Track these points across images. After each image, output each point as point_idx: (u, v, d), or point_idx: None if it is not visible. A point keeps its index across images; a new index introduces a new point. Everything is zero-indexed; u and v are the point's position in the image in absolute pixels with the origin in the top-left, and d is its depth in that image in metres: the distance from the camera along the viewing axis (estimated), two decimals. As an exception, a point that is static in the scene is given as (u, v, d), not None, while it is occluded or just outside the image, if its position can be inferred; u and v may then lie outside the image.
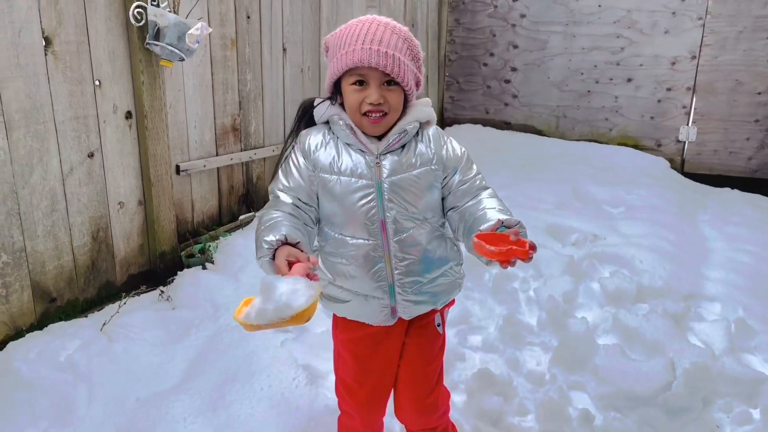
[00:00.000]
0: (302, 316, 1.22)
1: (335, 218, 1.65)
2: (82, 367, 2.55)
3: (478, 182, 1.71)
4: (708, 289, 3.53)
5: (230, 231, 3.68)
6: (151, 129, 3.07)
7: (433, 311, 1.81)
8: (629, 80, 6.05)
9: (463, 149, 1.74)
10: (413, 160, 1.64)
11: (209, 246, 3.43)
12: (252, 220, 3.80)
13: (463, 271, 1.83)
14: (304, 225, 1.59)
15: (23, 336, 2.64)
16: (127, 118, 2.99)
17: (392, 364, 1.84)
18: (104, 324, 2.77)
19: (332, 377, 2.76)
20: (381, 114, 1.58)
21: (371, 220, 1.62)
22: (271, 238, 1.43)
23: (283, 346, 2.76)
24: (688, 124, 5.94)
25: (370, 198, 1.61)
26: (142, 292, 3.13)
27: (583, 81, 6.20)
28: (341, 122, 1.62)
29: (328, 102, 1.68)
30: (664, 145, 6.06)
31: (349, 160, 1.62)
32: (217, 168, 3.64)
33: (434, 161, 1.67)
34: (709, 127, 5.88)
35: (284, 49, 4.11)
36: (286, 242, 1.44)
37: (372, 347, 1.80)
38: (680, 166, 6.01)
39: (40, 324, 2.75)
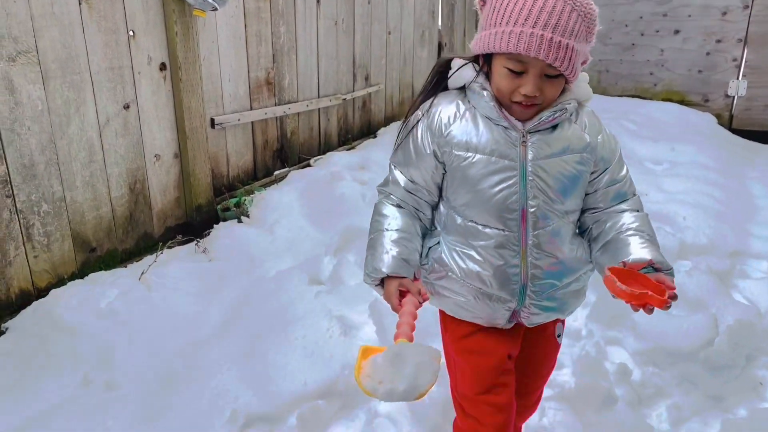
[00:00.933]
0: (424, 394, 1.17)
1: (466, 203, 1.44)
2: (122, 314, 2.61)
3: (627, 186, 1.50)
4: (755, 247, 3.41)
5: (265, 186, 3.68)
6: (185, 81, 3.05)
7: (556, 320, 1.61)
8: (676, 32, 5.79)
9: (618, 142, 1.51)
10: (565, 144, 1.41)
11: (244, 200, 3.44)
12: (287, 175, 3.79)
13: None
14: (417, 221, 1.49)
15: (65, 284, 2.70)
16: (161, 69, 2.98)
17: (510, 370, 1.62)
18: (142, 273, 2.82)
19: (366, 328, 2.77)
20: (533, 104, 1.37)
21: (510, 209, 1.40)
22: (380, 266, 1.40)
23: (317, 298, 2.77)
24: (737, 78, 5.67)
25: (511, 182, 1.39)
26: (179, 243, 3.16)
27: (628, 33, 5.96)
28: (485, 93, 1.39)
29: (471, 66, 1.44)
30: (711, 101, 5.81)
31: (489, 136, 1.40)
32: (252, 122, 3.62)
33: (587, 149, 1.43)
34: (761, 81, 5.60)
35: (318, 1, 4.02)
36: (394, 276, 1.38)
37: (487, 347, 1.59)
38: (728, 122, 5.77)
39: (80, 273, 2.81)
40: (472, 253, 1.45)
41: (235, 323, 2.67)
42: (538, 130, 1.40)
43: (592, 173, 1.47)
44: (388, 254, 1.41)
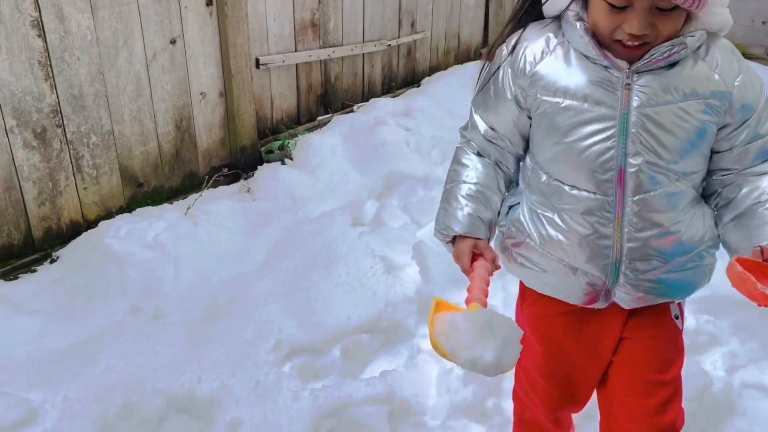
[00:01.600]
0: (504, 372, 1.08)
1: (552, 158, 1.23)
2: (169, 246, 2.63)
3: None
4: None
5: (308, 131, 3.65)
6: (231, 18, 3.02)
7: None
8: (740, -18, 5.47)
9: (763, 85, 1.20)
10: (684, 86, 1.13)
11: (288, 143, 3.42)
12: (330, 121, 3.75)
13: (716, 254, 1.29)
14: (498, 174, 1.34)
15: (113, 217, 2.74)
16: (207, 5, 2.95)
17: (596, 361, 1.37)
18: (188, 208, 2.84)
19: (409, 270, 2.75)
20: (641, 43, 1.12)
21: (604, 167, 1.17)
22: (451, 223, 1.27)
23: (361, 238, 2.75)
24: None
25: (607, 135, 1.15)
26: (223, 183, 3.18)
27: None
28: (579, 25, 1.15)
29: None
30: (775, 55, 5.51)
31: (583, 77, 1.16)
32: (296, 64, 3.58)
33: (717, 95, 1.14)
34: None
35: (365, -58, 3.92)
36: (468, 236, 1.26)
37: (569, 332, 1.36)
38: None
39: (128, 207, 2.85)
40: (555, 218, 1.25)
41: (279, 260, 2.67)
42: (649, 70, 1.13)
43: (725, 126, 1.17)
44: (462, 211, 1.28)
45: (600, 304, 1.29)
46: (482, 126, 1.33)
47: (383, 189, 3.25)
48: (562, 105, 1.18)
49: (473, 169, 1.34)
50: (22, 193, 2.48)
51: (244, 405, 1.96)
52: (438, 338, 1.07)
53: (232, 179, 3.24)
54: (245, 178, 3.25)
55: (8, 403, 1.82)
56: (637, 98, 1.14)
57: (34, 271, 2.56)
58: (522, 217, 1.31)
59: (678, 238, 1.20)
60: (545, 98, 1.20)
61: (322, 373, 2.19)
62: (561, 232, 1.24)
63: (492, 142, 1.33)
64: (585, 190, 1.20)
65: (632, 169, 1.16)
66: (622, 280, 1.23)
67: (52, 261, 2.60)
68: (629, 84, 1.14)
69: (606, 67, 1.15)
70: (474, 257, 1.25)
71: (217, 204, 2.97)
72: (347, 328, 2.32)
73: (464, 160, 1.36)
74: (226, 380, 2.03)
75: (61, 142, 2.55)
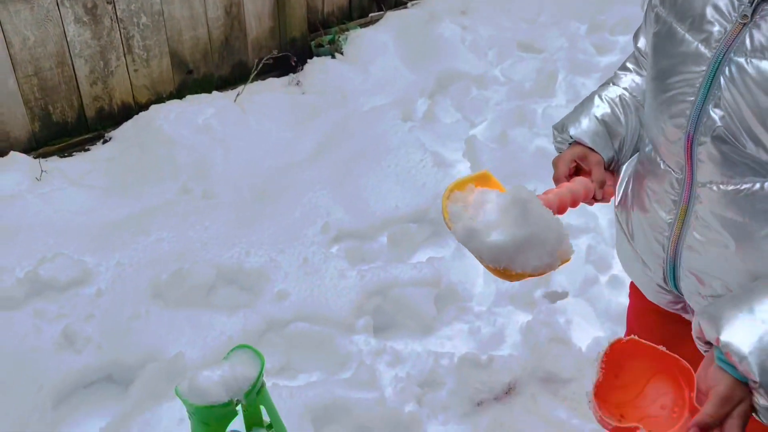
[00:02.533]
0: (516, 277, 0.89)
1: (647, 101, 0.99)
2: (218, 131, 2.62)
3: None
4: None
5: (360, 26, 3.52)
6: None
7: None
8: None
9: None
10: None
11: (339, 37, 3.31)
12: (381, 18, 3.61)
13: None
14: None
15: (163, 102, 2.72)
16: None
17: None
18: (238, 95, 2.80)
19: (460, 166, 2.68)
20: None
21: (674, 129, 0.90)
22: (569, 123, 1.07)
23: (411, 132, 2.68)
24: None
25: (689, 83, 0.87)
26: (272, 73, 3.11)
27: None
28: None
29: None
30: None
31: (704, 2, 0.87)
32: (349, -45, 3.42)
33: None
34: None
35: None
36: (582, 143, 1.04)
37: (657, 334, 1.01)
38: None
39: (178, 93, 2.83)
40: (624, 180, 1.09)
41: (327, 151, 2.63)
42: None
43: None
44: (590, 113, 1.06)
45: (683, 314, 1.04)
46: (634, 44, 1.11)
47: (435, 87, 3.14)
48: (665, 30, 0.93)
49: (629, 77, 1.11)
50: (74, 69, 2.48)
51: (292, 279, 1.97)
52: (448, 203, 0.92)
53: (281, 72, 3.17)
54: (294, 72, 3.17)
55: (65, 263, 1.87)
56: (749, 40, 0.80)
57: (88, 150, 2.59)
58: (621, 172, 1.11)
59: (742, 266, 0.87)
60: (675, 26, 0.91)
61: (369, 258, 2.18)
62: (625, 196, 1.07)
63: (640, 66, 1.12)
64: (652, 151, 0.98)
65: (701, 145, 0.86)
66: (682, 287, 0.96)
67: (105, 141, 2.62)
68: (747, 16, 0.81)
69: None
70: (578, 173, 1.04)
71: (266, 95, 2.92)
72: (395, 217, 2.29)
73: (627, 63, 1.14)
74: (274, 256, 2.04)
75: (112, 20, 2.51)
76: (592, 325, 1.91)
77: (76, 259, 1.90)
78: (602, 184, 1.03)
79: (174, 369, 1.61)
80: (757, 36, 0.79)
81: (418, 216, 2.31)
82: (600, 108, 1.07)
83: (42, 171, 2.30)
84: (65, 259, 1.88)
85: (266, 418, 1.39)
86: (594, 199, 1.04)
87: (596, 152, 1.04)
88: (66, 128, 2.55)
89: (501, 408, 1.68)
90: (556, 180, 1.05)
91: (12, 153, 2.34)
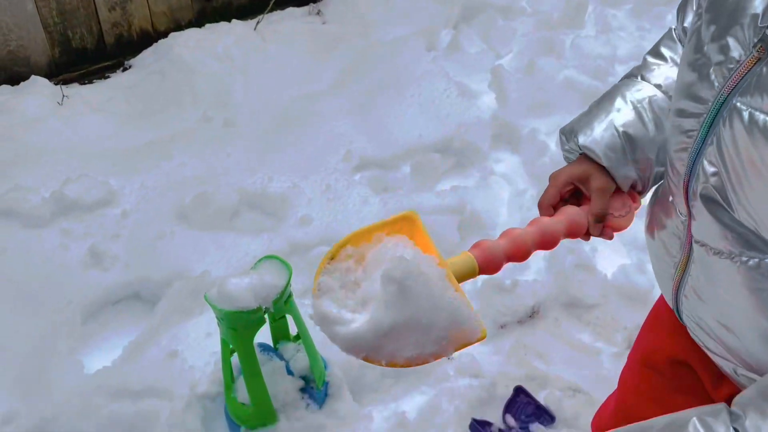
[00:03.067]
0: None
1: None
2: (238, 59, 2.57)
3: None
4: None
5: (381, -44, 3.40)
6: None
7: None
8: None
9: None
10: None
11: (360, -33, 3.21)
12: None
13: None
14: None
15: (182, 30, 2.68)
16: None
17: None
18: (258, 23, 2.74)
19: (485, 97, 2.61)
20: None
21: (678, 163, 0.72)
22: (580, 128, 0.86)
23: (435, 62, 2.61)
24: None
25: (695, 114, 0.68)
26: (292, 2, 3.04)
27: None
28: None
29: None
30: None
31: (719, 30, 0.66)
32: None
33: None
34: None
35: None
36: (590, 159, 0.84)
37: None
38: None
39: (197, 21, 2.77)
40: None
41: (350, 80, 2.59)
42: None
43: None
44: (608, 119, 0.85)
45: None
46: (687, 11, 0.86)
47: (460, 17, 3.04)
48: (694, 61, 0.70)
49: (664, 69, 0.86)
50: (92, -7, 2.43)
51: (315, 205, 1.97)
52: (327, 269, 0.73)
53: (301, 2, 3.09)
54: (315, 1, 3.09)
55: (90, 184, 1.87)
56: (756, 81, 0.60)
57: (108, 77, 2.56)
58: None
59: (738, 347, 0.72)
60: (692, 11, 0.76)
61: (392, 187, 2.16)
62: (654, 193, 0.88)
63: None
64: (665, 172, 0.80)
65: (698, 191, 0.68)
66: (688, 328, 0.80)
67: (125, 69, 2.60)
68: (754, 55, 0.61)
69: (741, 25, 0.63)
70: (576, 200, 0.87)
71: (286, 24, 2.85)
72: (418, 146, 2.26)
73: (662, 48, 0.89)
74: (297, 182, 2.03)
75: (129, -59, 2.44)
76: (618, 252, 1.89)
77: (100, 180, 1.90)
78: (601, 218, 0.84)
79: (200, 286, 1.62)
80: (756, 80, 0.60)
81: (442, 146, 2.28)
82: (622, 113, 0.84)
83: (63, 96, 2.28)
84: (90, 180, 1.88)
85: (293, 331, 1.40)
86: (587, 235, 0.86)
87: (606, 172, 0.84)
88: (86, 55, 2.52)
89: (524, 331, 1.68)
90: (541, 206, 0.87)
91: (33, 77, 2.32)
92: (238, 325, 1.19)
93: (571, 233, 0.83)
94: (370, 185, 2.11)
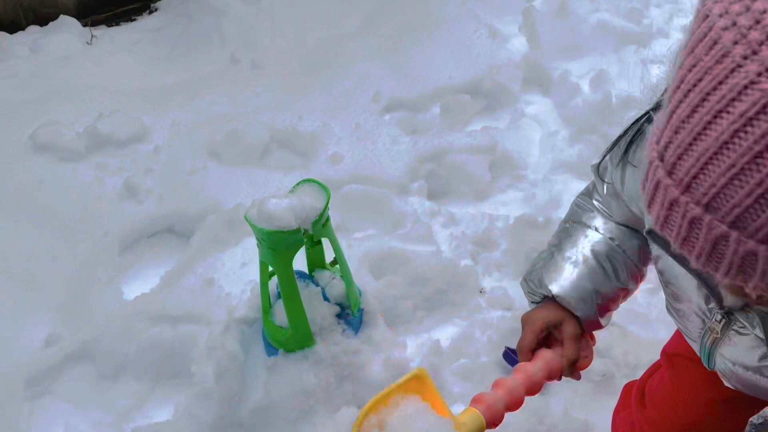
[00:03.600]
0: None
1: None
2: (264, 2, 2.54)
3: None
4: None
5: None
6: None
7: None
8: None
9: None
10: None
11: None
12: None
13: None
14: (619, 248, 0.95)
15: (208, -28, 2.64)
16: None
17: None
18: (284, -36, 2.69)
19: (515, 41, 2.54)
20: None
21: (695, 333, 0.86)
22: (548, 280, 0.94)
23: (464, 4, 2.56)
24: None
25: (697, 325, 0.84)
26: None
27: None
28: None
29: None
30: None
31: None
32: None
33: None
34: None
35: None
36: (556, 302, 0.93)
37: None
38: None
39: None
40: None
41: (377, 23, 2.55)
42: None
43: None
44: (575, 270, 0.94)
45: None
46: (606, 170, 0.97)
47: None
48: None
49: (601, 221, 0.97)
50: (118, -68, 2.40)
51: (345, 143, 1.96)
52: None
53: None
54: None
55: (123, 120, 1.88)
56: (722, 349, 0.82)
57: (134, 20, 2.56)
58: None
59: None
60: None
61: (421, 128, 2.15)
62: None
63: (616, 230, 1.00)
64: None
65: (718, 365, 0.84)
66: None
67: (151, 12, 2.59)
68: (716, 323, 0.81)
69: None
70: (546, 340, 0.95)
71: (311, -33, 2.81)
72: (448, 87, 2.23)
73: (594, 200, 0.99)
74: (327, 121, 2.02)
75: None
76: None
77: (132, 116, 1.91)
78: (575, 362, 0.93)
79: (234, 219, 1.63)
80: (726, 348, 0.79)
81: (472, 87, 2.25)
82: (587, 265, 0.94)
83: (92, 36, 2.28)
84: (122, 116, 1.89)
85: (328, 259, 1.41)
86: (560, 377, 0.95)
87: (576, 319, 0.93)
88: (112, -4, 2.51)
89: (557, 266, 1.67)
90: (521, 351, 0.94)
91: (62, 17, 2.32)
92: (278, 246, 1.19)
93: (550, 378, 0.93)
94: (399, 125, 2.09)
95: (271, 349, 1.35)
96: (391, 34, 2.47)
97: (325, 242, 1.35)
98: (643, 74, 0.82)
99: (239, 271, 1.54)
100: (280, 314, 1.32)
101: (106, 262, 1.61)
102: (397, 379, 0.89)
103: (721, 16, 0.45)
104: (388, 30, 2.50)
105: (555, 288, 0.93)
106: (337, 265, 1.37)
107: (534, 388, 0.91)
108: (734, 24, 0.44)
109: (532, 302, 0.99)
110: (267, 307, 1.34)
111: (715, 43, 0.45)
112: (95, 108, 1.92)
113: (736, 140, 0.43)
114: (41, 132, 1.79)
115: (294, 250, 1.23)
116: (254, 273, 1.38)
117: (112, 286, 1.55)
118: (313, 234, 1.23)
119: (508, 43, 2.51)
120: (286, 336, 1.32)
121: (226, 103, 2.08)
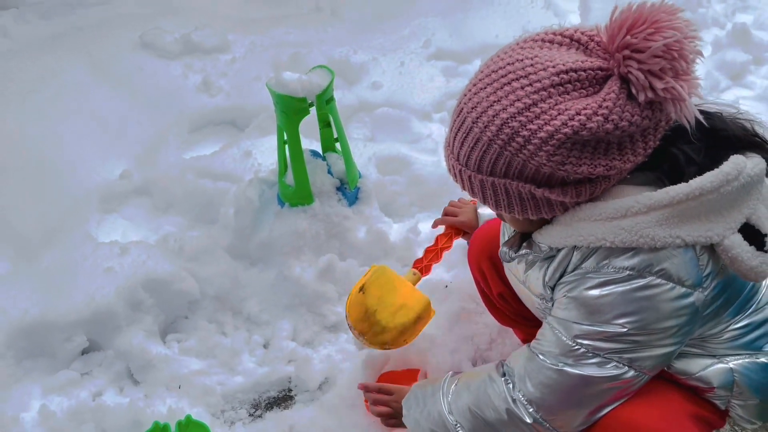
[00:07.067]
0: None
1: None
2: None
3: None
4: None
5: None
6: None
7: None
8: None
9: None
10: None
11: None
12: None
13: None
14: None
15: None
16: None
17: None
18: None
19: (571, 15, 2.76)
20: None
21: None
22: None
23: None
24: None
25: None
26: None
27: None
28: None
29: None
30: None
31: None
32: None
33: None
34: None
35: None
36: None
37: None
38: None
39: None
40: None
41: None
42: None
43: None
44: None
45: None
46: None
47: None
48: None
49: None
50: None
51: (387, 76, 2.29)
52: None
53: None
54: None
55: (211, 33, 2.34)
56: None
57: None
58: None
59: None
60: None
61: (461, 76, 2.42)
62: None
63: None
64: None
65: None
66: None
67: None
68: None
69: None
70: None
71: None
72: (494, 44, 2.47)
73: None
74: (377, 56, 2.35)
75: None
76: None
77: (220, 33, 2.35)
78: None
79: (278, 113, 2.01)
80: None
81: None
82: None
83: (206, -27, 2.76)
84: (212, 30, 2.34)
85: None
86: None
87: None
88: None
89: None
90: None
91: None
92: (288, 110, 1.54)
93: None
94: (441, 72, 2.38)
95: (280, 203, 1.70)
96: (454, -2, 2.76)
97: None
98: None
99: (273, 151, 1.91)
100: (290, 176, 1.66)
101: (177, 134, 2.04)
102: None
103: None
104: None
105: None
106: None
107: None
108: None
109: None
110: (281, 170, 1.69)
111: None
112: (193, 23, 2.38)
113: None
114: (148, 34, 2.27)
115: (301, 115, 1.56)
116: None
117: (176, 148, 1.97)
118: (317, 107, 1.56)
119: (562, 17, 2.71)
120: (291, 192, 1.66)
121: (299, 34, 2.47)
